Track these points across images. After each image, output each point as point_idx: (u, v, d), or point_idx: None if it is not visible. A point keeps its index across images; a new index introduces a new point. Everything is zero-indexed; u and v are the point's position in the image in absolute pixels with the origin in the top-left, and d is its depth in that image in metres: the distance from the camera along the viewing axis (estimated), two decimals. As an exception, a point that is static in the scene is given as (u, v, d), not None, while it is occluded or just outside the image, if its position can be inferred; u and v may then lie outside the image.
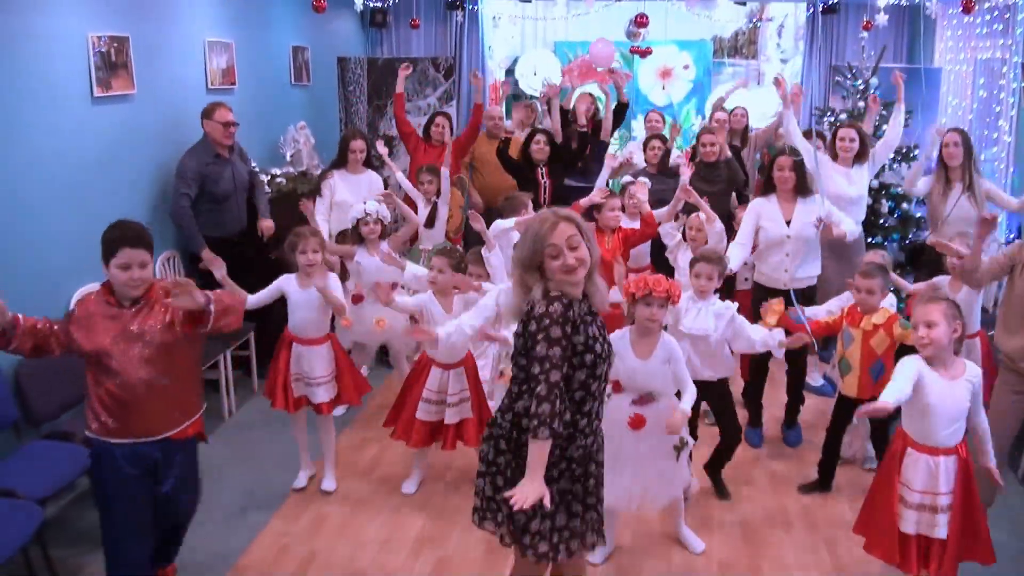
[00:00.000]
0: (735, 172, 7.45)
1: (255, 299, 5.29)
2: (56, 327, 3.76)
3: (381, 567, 4.78)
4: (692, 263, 5.30)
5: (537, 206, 7.21)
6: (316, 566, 4.78)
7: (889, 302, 5.40)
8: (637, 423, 4.47)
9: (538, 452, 3.16)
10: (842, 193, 6.68)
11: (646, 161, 7.67)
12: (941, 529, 3.89)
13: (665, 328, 4.64)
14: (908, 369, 3.92)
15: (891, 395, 3.83)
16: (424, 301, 5.31)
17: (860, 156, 6.82)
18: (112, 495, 3.92)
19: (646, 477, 4.55)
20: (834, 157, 6.89)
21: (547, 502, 3.17)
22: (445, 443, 5.34)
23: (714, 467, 5.52)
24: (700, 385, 4.89)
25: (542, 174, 7.70)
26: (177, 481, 4.02)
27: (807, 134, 7.66)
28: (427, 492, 5.56)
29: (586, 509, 3.48)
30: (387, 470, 5.83)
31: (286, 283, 5.40)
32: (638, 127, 11.10)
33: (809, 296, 6.04)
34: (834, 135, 6.95)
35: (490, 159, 8.31)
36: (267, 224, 7.07)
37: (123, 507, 3.92)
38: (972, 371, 3.95)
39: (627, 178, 7.04)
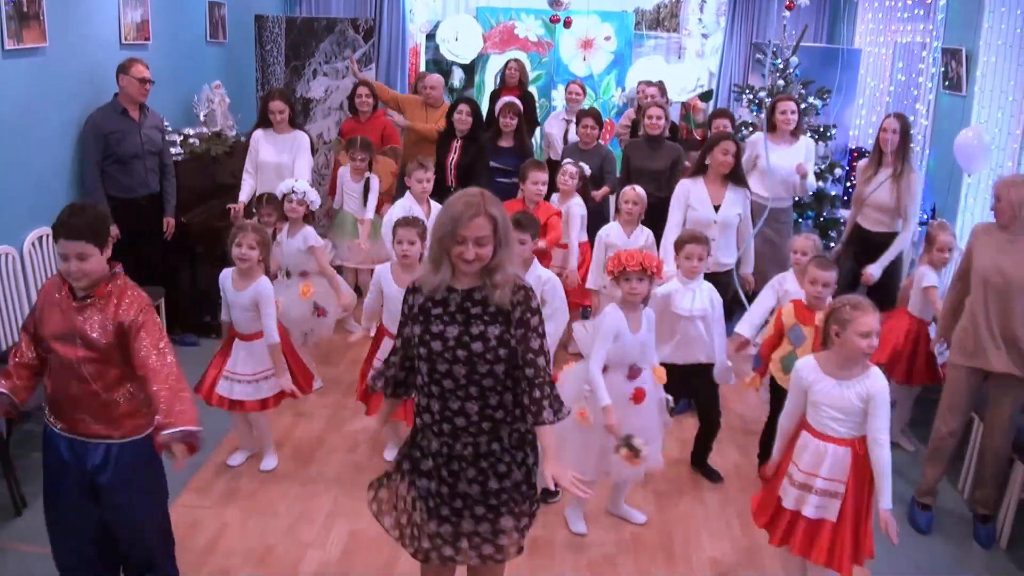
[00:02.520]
0: (677, 151, 7.41)
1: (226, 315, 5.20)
2: (30, 349, 3.65)
3: (294, 540, 4.73)
4: (679, 245, 5.26)
5: (441, 182, 7.20)
6: (227, 539, 4.71)
7: None
8: (640, 396, 4.61)
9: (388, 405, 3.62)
10: (775, 169, 6.78)
11: (578, 137, 7.62)
12: (809, 508, 3.93)
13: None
14: (794, 392, 4.05)
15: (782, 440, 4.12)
16: (379, 274, 5.17)
17: (796, 130, 6.94)
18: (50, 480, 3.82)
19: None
20: (772, 129, 6.96)
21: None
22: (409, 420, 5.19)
23: (701, 459, 5.58)
24: (693, 369, 5.09)
25: (455, 149, 7.61)
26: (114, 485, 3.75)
27: (719, 114, 7.72)
28: (338, 466, 5.50)
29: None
30: (299, 443, 5.75)
31: (224, 279, 5.17)
32: (558, 96, 11.07)
33: (725, 283, 6.00)
34: (772, 108, 7.01)
35: (429, 128, 8.22)
36: (170, 222, 6.95)
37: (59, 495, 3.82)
38: (874, 384, 3.87)
39: (567, 160, 7.01)
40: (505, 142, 7.77)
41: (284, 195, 6.06)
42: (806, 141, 7.07)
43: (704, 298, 5.17)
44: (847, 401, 3.86)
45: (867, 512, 3.94)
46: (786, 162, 6.89)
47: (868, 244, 6.40)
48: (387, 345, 5.13)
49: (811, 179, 6.71)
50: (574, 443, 4.60)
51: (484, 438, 3.34)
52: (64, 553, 3.90)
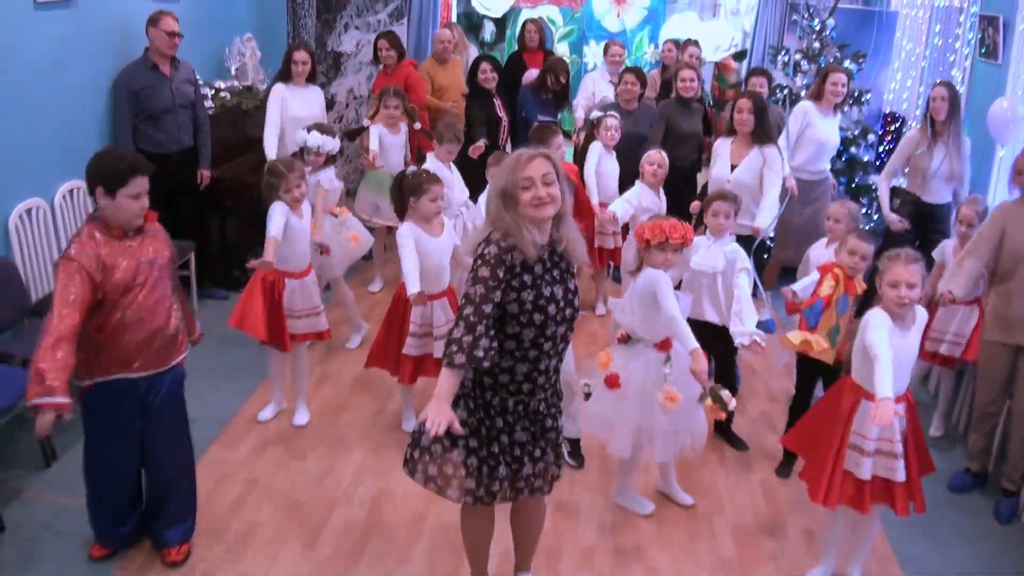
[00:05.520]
0: (707, 116, 7.38)
1: (274, 231, 5.05)
2: (77, 316, 3.58)
3: (322, 496, 4.79)
4: (708, 202, 5.22)
5: (496, 144, 7.19)
6: (257, 494, 4.78)
7: None
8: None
9: (447, 380, 3.22)
10: (825, 140, 6.80)
11: (617, 95, 7.57)
12: (900, 473, 3.96)
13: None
14: (881, 330, 3.88)
15: (886, 373, 3.76)
16: (409, 234, 5.01)
17: (841, 103, 6.93)
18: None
19: (662, 425, 4.55)
20: (818, 97, 6.94)
21: (456, 428, 3.21)
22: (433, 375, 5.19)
23: (725, 425, 5.54)
24: (710, 328, 5.04)
25: (499, 107, 7.60)
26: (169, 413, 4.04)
27: (756, 72, 7.64)
28: (367, 423, 5.56)
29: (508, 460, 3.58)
30: (327, 400, 5.81)
31: (285, 213, 5.12)
32: (591, 53, 10.99)
33: (746, 244, 5.95)
34: (824, 77, 6.96)
35: (444, 84, 8.19)
36: (205, 174, 7.00)
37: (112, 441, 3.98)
38: (921, 316, 4.01)
39: (596, 113, 6.97)
40: (547, 94, 7.76)
41: (301, 149, 6.10)
42: (837, 118, 7.06)
43: (715, 256, 5.09)
44: (911, 351, 3.94)
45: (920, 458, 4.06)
46: (835, 137, 6.90)
47: (925, 215, 6.43)
48: (418, 307, 5.08)
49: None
50: (613, 420, 4.55)
51: (551, 391, 3.56)
52: (108, 496, 4.09)
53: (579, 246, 3.40)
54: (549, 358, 3.43)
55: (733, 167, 6.02)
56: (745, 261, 5.09)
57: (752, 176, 5.99)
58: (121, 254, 3.69)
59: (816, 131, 6.93)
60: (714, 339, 5.16)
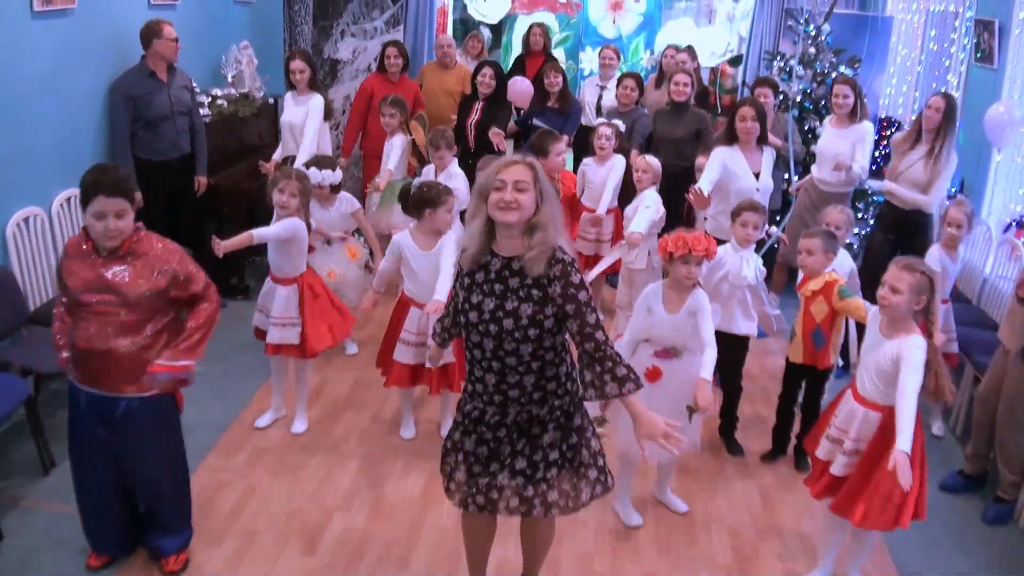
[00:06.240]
0: (703, 119, 7.38)
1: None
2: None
3: (319, 504, 4.79)
4: (736, 212, 5.24)
5: (466, 149, 7.23)
6: (254, 503, 4.77)
7: (846, 266, 5.30)
8: (653, 375, 4.49)
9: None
10: (821, 151, 6.90)
11: (617, 99, 7.59)
12: (836, 467, 4.03)
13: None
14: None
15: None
16: (399, 241, 5.10)
17: (853, 114, 6.82)
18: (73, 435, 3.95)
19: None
20: (829, 111, 7.00)
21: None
22: (431, 389, 5.25)
23: (728, 430, 5.58)
24: (724, 337, 5.00)
25: (476, 110, 7.63)
26: (134, 438, 3.90)
27: (761, 83, 7.65)
28: (364, 431, 5.56)
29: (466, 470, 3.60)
30: (325, 407, 5.81)
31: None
32: (586, 59, 11.00)
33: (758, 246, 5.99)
34: (830, 90, 6.97)
35: (438, 89, 8.20)
36: (202, 181, 7.00)
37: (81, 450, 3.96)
38: (905, 347, 3.84)
39: (599, 120, 6.99)
40: (549, 101, 7.77)
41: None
42: (863, 128, 6.85)
43: (752, 268, 5.16)
44: (882, 356, 3.91)
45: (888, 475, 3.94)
46: (837, 147, 6.80)
47: (898, 221, 6.39)
48: (414, 315, 5.13)
49: (856, 170, 6.67)
50: (621, 425, 4.51)
51: (492, 409, 3.46)
52: (89, 503, 4.09)
53: (536, 261, 3.23)
54: (483, 370, 3.40)
55: (756, 175, 6.03)
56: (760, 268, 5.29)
57: (772, 178, 6.14)
58: (83, 264, 3.67)
59: (820, 142, 7.00)
60: (729, 347, 5.19)
